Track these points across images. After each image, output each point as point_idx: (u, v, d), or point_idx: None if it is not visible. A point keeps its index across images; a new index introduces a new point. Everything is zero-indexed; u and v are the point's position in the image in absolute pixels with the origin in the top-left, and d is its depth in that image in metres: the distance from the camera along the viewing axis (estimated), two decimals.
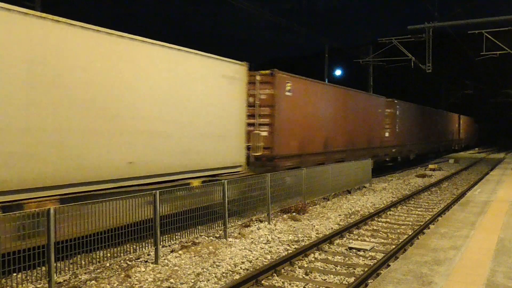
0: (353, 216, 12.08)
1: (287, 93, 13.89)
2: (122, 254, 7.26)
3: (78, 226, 6.49)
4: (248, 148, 12.35)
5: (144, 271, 7.07)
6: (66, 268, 6.48)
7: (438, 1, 22.55)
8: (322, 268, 7.60)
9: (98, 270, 7.13)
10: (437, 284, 5.25)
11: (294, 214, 11.67)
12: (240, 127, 11.68)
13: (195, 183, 9.66)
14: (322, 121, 16.37)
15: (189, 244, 8.58)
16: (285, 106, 13.85)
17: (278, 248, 8.73)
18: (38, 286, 6.38)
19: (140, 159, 8.67)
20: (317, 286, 6.75)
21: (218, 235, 9.38)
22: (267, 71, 13.45)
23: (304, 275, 7.24)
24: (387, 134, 24.10)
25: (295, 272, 7.39)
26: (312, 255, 8.33)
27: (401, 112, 26.34)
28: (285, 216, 11.52)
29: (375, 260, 7.90)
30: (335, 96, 17.78)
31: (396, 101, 25.85)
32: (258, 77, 13.38)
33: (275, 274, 7.15)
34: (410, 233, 9.82)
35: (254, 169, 12.12)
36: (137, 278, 6.81)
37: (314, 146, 15.70)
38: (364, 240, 9.55)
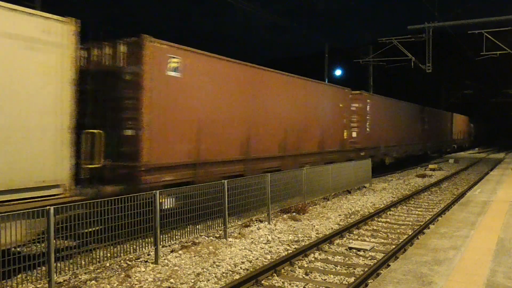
0: (353, 216, 12.08)
1: (171, 73, 9.75)
2: (122, 254, 7.27)
3: None
4: (110, 155, 8.80)
5: (144, 271, 7.08)
6: (66, 268, 6.49)
7: (438, 1, 22.62)
8: (322, 268, 7.60)
9: (98, 270, 7.13)
10: (437, 284, 5.25)
11: (294, 214, 11.67)
12: (58, 123, 7.28)
13: None
14: (238, 117, 12.10)
15: (189, 244, 8.58)
16: (167, 92, 9.68)
17: (278, 248, 8.73)
18: (38, 286, 6.38)
19: None
20: (317, 286, 6.75)
21: (218, 235, 9.38)
22: (134, 39, 9.17)
23: (304, 275, 7.24)
24: (354, 135, 19.97)
25: (295, 272, 7.39)
26: (312, 255, 8.33)
27: (373, 107, 21.88)
28: (285, 216, 11.52)
29: (375, 260, 7.90)
30: (265, 83, 13.38)
31: (366, 94, 21.78)
32: (122, 48, 9.20)
33: (275, 274, 7.15)
34: (410, 233, 9.83)
35: (93, 190, 8.27)
36: (137, 278, 6.81)
37: (223, 151, 11.44)
38: (364, 240, 9.56)
